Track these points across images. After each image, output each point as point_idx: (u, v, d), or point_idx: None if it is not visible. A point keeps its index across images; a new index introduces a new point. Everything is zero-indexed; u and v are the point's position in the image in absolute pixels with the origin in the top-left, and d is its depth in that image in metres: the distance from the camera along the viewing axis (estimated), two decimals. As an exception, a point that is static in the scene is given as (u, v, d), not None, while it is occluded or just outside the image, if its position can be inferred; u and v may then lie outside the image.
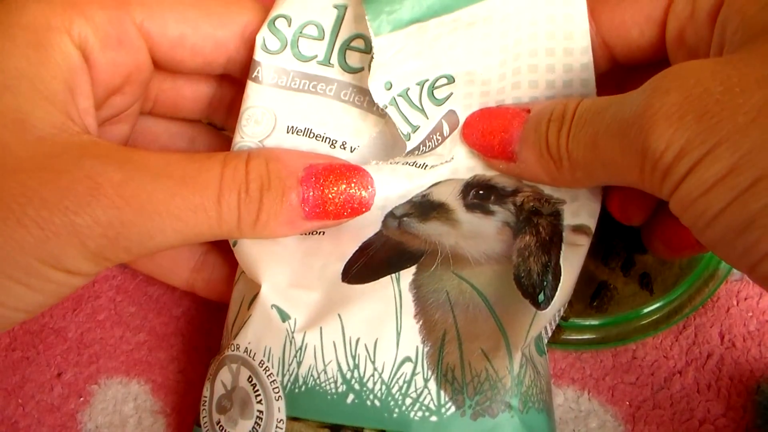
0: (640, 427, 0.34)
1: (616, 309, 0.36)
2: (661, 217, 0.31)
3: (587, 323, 0.36)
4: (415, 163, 0.31)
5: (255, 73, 0.30)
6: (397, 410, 0.27)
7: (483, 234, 0.30)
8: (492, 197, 0.30)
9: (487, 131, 0.30)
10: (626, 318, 0.36)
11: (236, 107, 0.31)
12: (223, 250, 0.34)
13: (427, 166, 0.31)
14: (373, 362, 0.28)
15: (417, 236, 0.30)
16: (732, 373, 0.35)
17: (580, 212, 0.30)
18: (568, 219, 0.30)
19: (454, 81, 0.30)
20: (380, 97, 0.29)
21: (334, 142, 0.31)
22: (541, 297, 0.28)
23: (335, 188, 0.28)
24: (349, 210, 0.29)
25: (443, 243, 0.30)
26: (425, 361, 0.28)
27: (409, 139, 0.30)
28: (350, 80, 0.30)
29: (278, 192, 0.27)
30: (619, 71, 0.31)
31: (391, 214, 0.30)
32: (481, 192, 0.30)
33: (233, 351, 0.29)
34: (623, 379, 0.35)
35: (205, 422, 0.29)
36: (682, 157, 0.22)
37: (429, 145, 0.30)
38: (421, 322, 0.28)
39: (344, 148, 0.31)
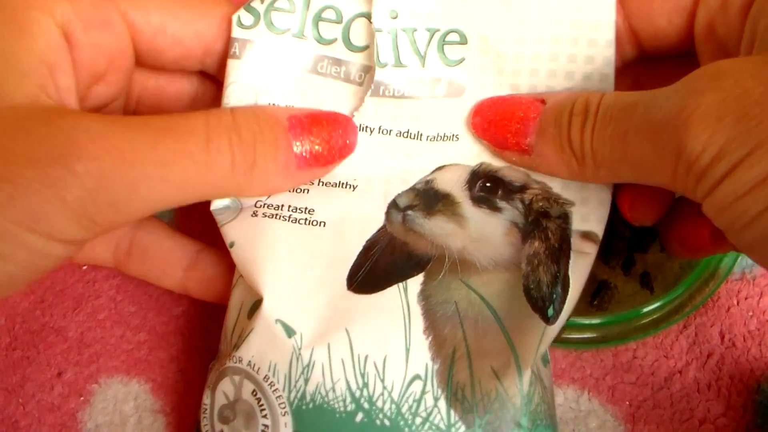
0: (640, 426, 0.34)
1: (617, 308, 0.36)
2: (678, 217, 0.30)
3: (588, 322, 0.36)
4: (408, 133, 0.30)
5: (233, 50, 0.30)
6: (407, 430, 0.27)
7: (490, 236, 0.29)
8: (499, 191, 0.29)
9: (499, 122, 0.29)
10: (627, 317, 0.36)
11: (218, 106, 0.31)
12: (217, 247, 0.33)
13: (422, 135, 0.30)
14: (383, 380, 0.27)
15: (423, 236, 0.29)
16: (732, 372, 0.35)
17: (589, 217, 0.29)
18: (577, 224, 0.29)
19: (466, 42, 0.29)
20: (380, 21, 0.29)
21: None
22: (550, 311, 0.28)
23: (321, 134, 0.28)
24: (337, 153, 0.29)
25: (450, 247, 0.29)
26: (435, 379, 0.27)
27: (383, 68, 0.29)
28: (325, 52, 0.30)
29: (271, 136, 0.27)
30: (637, 65, 0.31)
31: (394, 205, 0.29)
32: (488, 185, 0.29)
33: (235, 363, 0.28)
34: (623, 378, 0.35)
35: (207, 430, 0.29)
36: (719, 160, 0.22)
37: (403, 92, 0.30)
38: (430, 338, 0.28)
39: None
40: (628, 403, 0.35)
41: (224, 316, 0.31)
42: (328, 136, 0.28)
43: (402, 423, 0.27)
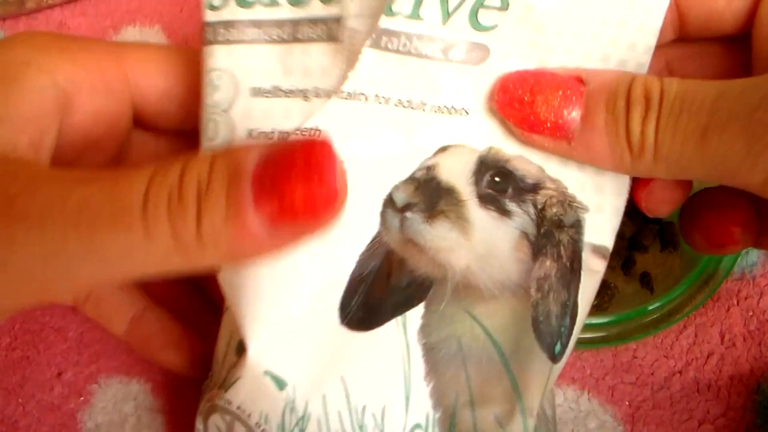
0: (639, 427, 0.34)
1: (617, 308, 0.36)
2: (704, 211, 0.29)
3: (588, 322, 0.36)
4: (409, 102, 0.26)
5: (207, 36, 0.27)
6: None
7: (498, 250, 0.26)
8: (509, 189, 0.26)
9: (531, 101, 0.25)
10: (627, 317, 0.36)
11: None
12: (165, 308, 0.34)
13: (426, 105, 0.26)
14: (382, 431, 0.26)
15: (423, 251, 0.26)
16: (732, 372, 0.35)
17: (602, 229, 0.27)
18: (589, 236, 0.27)
19: (507, 8, 0.25)
20: None
21: (306, 93, 0.26)
22: (557, 348, 0.26)
23: (299, 184, 0.20)
24: (318, 213, 0.21)
25: (453, 266, 0.26)
26: (436, 429, 0.26)
27: (392, 17, 0.25)
28: (303, 14, 0.26)
29: (221, 194, 0.20)
30: (668, 48, 0.29)
31: (390, 203, 0.26)
32: (497, 179, 0.26)
33: (225, 405, 0.26)
34: (623, 378, 0.35)
35: None
36: None
37: (410, 48, 0.26)
38: (432, 384, 0.26)
39: (319, 96, 0.26)
40: (627, 403, 0.35)
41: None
42: (307, 189, 0.20)
43: None
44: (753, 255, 0.37)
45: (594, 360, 0.36)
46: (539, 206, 0.26)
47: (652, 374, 0.35)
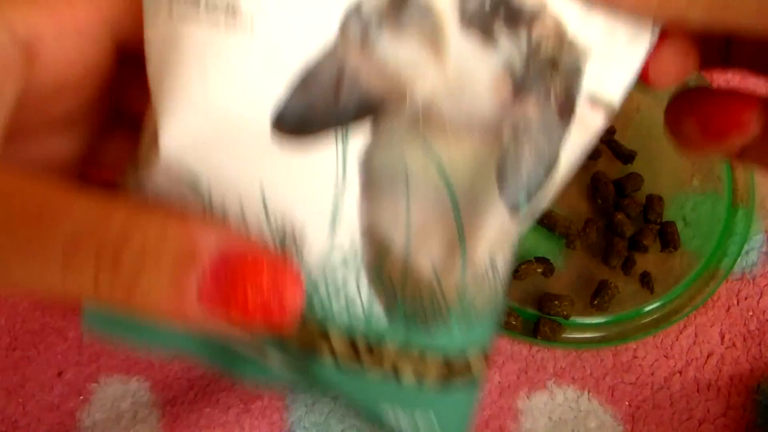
0: (639, 427, 0.34)
1: (617, 308, 0.36)
2: (706, 95, 0.25)
3: (588, 322, 0.36)
4: None
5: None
6: (320, 307, 0.23)
7: (473, 80, 0.22)
8: (502, 12, 0.21)
9: None
10: (627, 317, 0.36)
11: None
12: None
13: None
14: (301, 250, 0.22)
15: (383, 68, 0.21)
16: (732, 372, 0.35)
17: (607, 78, 0.22)
18: (590, 83, 0.22)
19: None
20: None
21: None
22: (521, 199, 0.22)
23: (254, 300, 0.19)
24: (264, 325, 0.19)
25: (415, 88, 0.22)
26: (362, 263, 0.23)
27: None
28: None
29: (164, 275, 0.18)
30: None
31: (356, 12, 0.21)
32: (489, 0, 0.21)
33: (138, 186, 0.22)
34: (623, 378, 0.35)
35: None
36: None
37: None
38: (365, 208, 0.23)
39: None
40: (627, 403, 0.35)
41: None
42: (263, 304, 0.19)
43: (317, 299, 0.23)
44: (753, 255, 0.38)
45: (594, 360, 0.36)
46: (533, 41, 0.22)
47: (652, 374, 0.35)
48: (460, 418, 0.26)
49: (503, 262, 0.24)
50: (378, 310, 0.23)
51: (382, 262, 0.23)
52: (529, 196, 0.22)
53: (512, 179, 0.22)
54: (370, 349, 0.24)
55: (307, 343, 0.23)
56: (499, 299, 0.25)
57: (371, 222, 0.22)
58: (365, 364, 0.24)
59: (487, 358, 0.25)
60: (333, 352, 0.24)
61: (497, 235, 0.23)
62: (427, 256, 0.23)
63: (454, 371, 0.24)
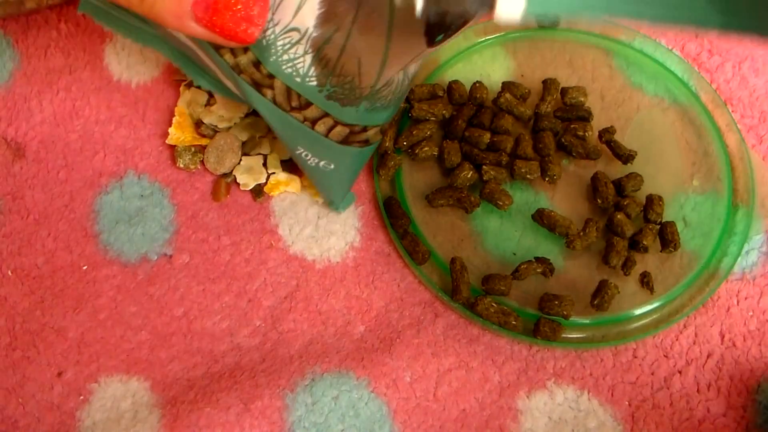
0: (639, 427, 0.34)
1: (617, 308, 0.36)
2: None
3: (588, 322, 0.36)
4: None
5: None
6: (274, 58, 0.31)
7: None
8: None
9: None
10: (627, 317, 0.36)
11: None
12: None
13: None
14: (273, 15, 0.30)
15: None
16: (732, 372, 0.35)
17: None
18: None
19: None
20: None
21: None
22: (439, 37, 0.30)
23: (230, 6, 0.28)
24: (240, 29, 0.28)
25: None
26: (309, 41, 0.31)
27: None
28: None
29: None
30: None
31: None
32: None
33: None
34: (623, 378, 0.35)
35: None
36: None
37: None
38: (323, 9, 0.30)
39: None
40: (627, 403, 0.35)
41: (225, 318, 0.30)
42: (238, 10, 0.28)
43: (273, 51, 0.31)
44: (753, 255, 0.38)
45: (594, 359, 0.36)
46: None
47: (652, 374, 0.35)
48: (353, 166, 0.37)
49: (414, 69, 0.34)
50: (312, 82, 0.32)
51: (324, 46, 0.31)
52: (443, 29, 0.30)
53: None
54: (300, 105, 0.33)
55: (258, 81, 0.32)
56: (405, 94, 0.36)
57: (325, 14, 0.30)
58: (291, 112, 0.33)
59: (383, 130, 0.37)
60: (273, 94, 0.32)
61: (414, 56, 0.32)
62: (356, 55, 0.31)
63: (354, 138, 0.35)
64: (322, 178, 0.37)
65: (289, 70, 0.32)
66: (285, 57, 0.31)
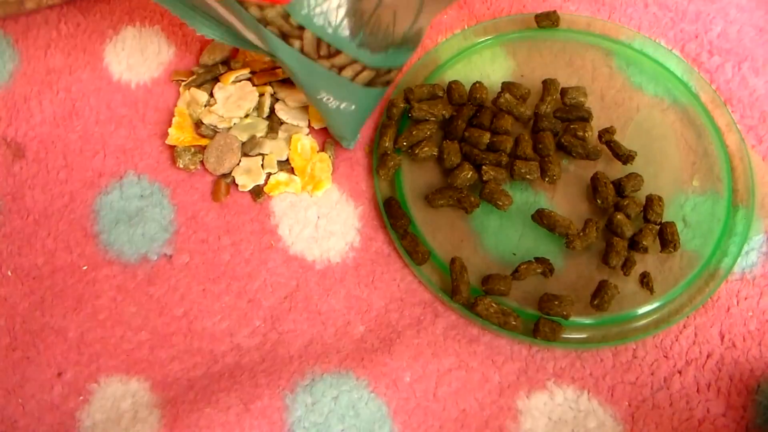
0: (639, 427, 0.34)
1: (617, 308, 0.36)
2: None
3: (588, 322, 0.36)
4: None
5: None
6: (306, 11, 0.32)
7: None
8: None
9: None
10: (626, 317, 0.36)
11: None
12: None
13: None
14: None
15: None
16: (732, 372, 0.35)
17: None
18: None
19: None
20: None
21: None
22: None
23: None
24: None
25: None
26: None
27: None
28: None
29: None
30: None
31: None
32: None
33: None
34: (623, 378, 0.35)
35: None
36: None
37: None
38: None
39: None
40: (627, 403, 0.35)
41: (225, 319, 0.30)
42: None
43: (305, 3, 0.32)
44: (753, 255, 0.38)
45: (594, 360, 0.36)
46: None
47: (652, 374, 0.35)
48: (371, 105, 0.39)
49: (427, 21, 0.37)
50: (345, 32, 0.33)
51: (360, 2, 0.32)
52: None
53: None
54: (328, 53, 0.34)
55: (286, 33, 0.33)
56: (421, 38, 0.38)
57: None
58: (319, 60, 0.34)
59: (399, 69, 0.39)
60: (302, 44, 0.33)
61: (448, 3, 0.35)
62: (392, 9, 0.33)
63: (378, 79, 0.38)
64: (340, 118, 0.38)
65: (321, 21, 0.33)
66: (317, 10, 0.32)
